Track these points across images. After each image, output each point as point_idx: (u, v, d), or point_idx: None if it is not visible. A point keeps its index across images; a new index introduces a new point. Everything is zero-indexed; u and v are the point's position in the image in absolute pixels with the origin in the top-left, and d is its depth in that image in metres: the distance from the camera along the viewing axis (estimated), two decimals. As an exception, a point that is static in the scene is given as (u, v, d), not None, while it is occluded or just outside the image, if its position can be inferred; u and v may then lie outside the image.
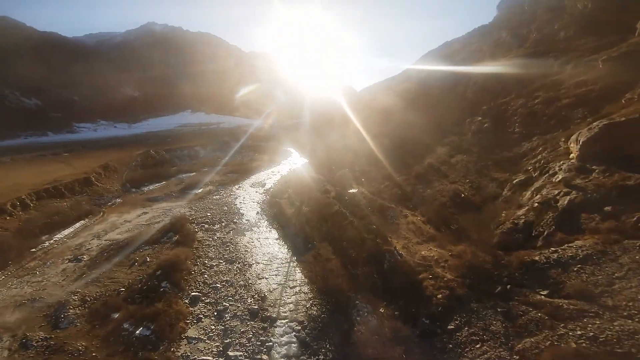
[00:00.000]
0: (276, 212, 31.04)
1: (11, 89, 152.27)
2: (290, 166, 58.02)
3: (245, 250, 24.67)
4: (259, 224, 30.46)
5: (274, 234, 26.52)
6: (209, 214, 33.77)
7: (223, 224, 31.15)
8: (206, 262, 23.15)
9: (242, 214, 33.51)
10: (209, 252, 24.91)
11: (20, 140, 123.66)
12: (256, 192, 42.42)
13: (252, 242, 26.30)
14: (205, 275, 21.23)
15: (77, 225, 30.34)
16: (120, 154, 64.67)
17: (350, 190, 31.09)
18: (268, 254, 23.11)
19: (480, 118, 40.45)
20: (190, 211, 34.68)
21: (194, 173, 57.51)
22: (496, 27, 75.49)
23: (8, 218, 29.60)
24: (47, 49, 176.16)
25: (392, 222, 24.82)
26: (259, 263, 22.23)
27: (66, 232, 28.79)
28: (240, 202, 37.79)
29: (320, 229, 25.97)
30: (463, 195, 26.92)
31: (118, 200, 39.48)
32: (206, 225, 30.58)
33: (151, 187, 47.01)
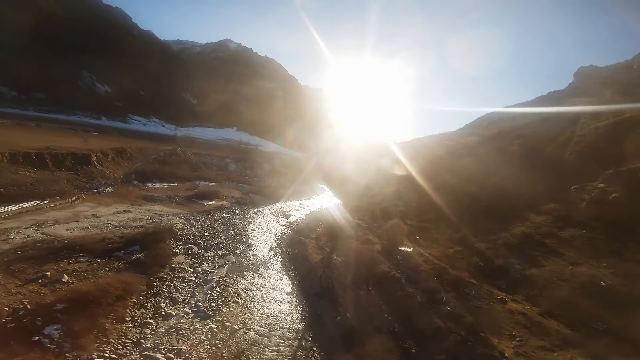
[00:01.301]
0: (297, 253, 25.42)
1: (90, 72, 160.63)
2: (321, 203, 51.20)
3: (236, 302, 16.03)
4: (269, 264, 22.10)
5: (287, 284, 19.86)
6: (206, 234, 25.26)
7: (220, 252, 22.52)
8: (158, 306, 14.21)
9: (251, 245, 25.06)
10: (175, 290, 16.03)
11: (72, 117, 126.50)
12: (277, 222, 33.98)
13: (251, 289, 17.70)
14: (135, 335, 12.15)
15: (29, 204, 22.86)
16: (147, 145, 59.37)
17: (404, 249, 21.98)
18: (269, 316, 15.88)
19: (602, 185, 30.11)
20: (184, 224, 26.41)
21: (213, 183, 50.36)
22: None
23: None
24: (138, 44, 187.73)
25: (479, 306, 17.61)
26: (249, 330, 14.35)
27: (6, 209, 21.12)
28: (254, 229, 29.46)
29: (358, 294, 16.76)
30: (603, 283, 19.94)
31: (108, 189, 32.25)
32: (195, 248, 21.97)
33: (158, 184, 39.86)
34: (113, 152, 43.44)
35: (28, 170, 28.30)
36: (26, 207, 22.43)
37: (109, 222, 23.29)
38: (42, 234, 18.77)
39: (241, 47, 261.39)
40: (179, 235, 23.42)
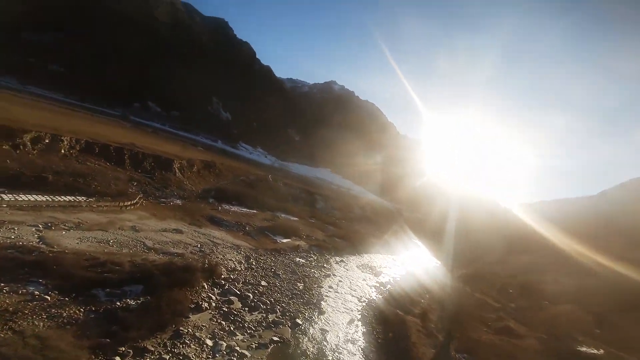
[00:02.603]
0: (392, 339, 16.33)
1: (218, 99, 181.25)
2: (419, 261, 42.00)
3: None
4: (345, 348, 14.06)
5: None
6: (263, 284, 17.66)
7: (271, 316, 14.83)
8: None
9: (322, 312, 17.04)
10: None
11: (196, 137, 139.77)
12: (364, 279, 25.08)
13: None
14: None
15: (67, 198, 18.92)
16: (240, 166, 57.10)
17: (584, 349, 11.68)
18: None
19: None
20: (238, 263, 19.32)
21: (296, 218, 43.62)
22: None
23: (17, 152, 19.87)
24: (259, 78, 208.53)
25: None
26: None
27: (33, 198, 16.82)
28: (331, 287, 21.38)
29: None
30: None
31: (177, 201, 27.71)
32: (236, 304, 14.62)
33: (235, 207, 34.58)
34: (201, 164, 40.54)
35: (99, 163, 25.43)
36: (60, 200, 18.13)
37: (144, 240, 17.34)
38: (39, 238, 13.29)
39: (344, 89, 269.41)
40: (223, 278, 16.06)
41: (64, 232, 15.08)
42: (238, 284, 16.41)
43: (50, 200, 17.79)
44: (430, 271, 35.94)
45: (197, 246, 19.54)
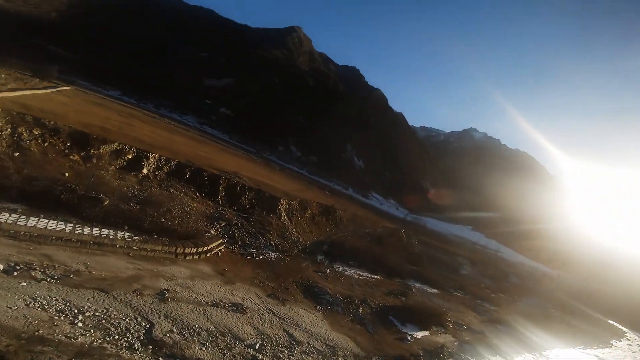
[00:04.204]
0: None
1: (352, 147, 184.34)
2: None
3: None
4: None
5: None
6: None
7: None
8: None
9: None
10: None
11: (329, 183, 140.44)
12: None
13: None
14: None
15: (120, 235, 12.75)
16: (366, 215, 48.49)
17: None
18: None
19: None
20: None
21: (435, 290, 31.39)
22: None
23: (87, 164, 15.84)
24: (392, 126, 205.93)
25: None
26: None
27: (71, 228, 11.06)
28: None
29: None
30: None
31: (270, 254, 20.12)
32: None
33: (350, 270, 25.45)
34: (318, 208, 33.07)
35: (186, 191, 20.24)
36: (84, 234, 12.12)
37: (157, 320, 9.21)
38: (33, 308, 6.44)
39: (487, 137, 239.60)
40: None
41: (23, 284, 8.50)
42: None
43: (70, 231, 12.17)
44: None
45: (254, 347, 10.28)
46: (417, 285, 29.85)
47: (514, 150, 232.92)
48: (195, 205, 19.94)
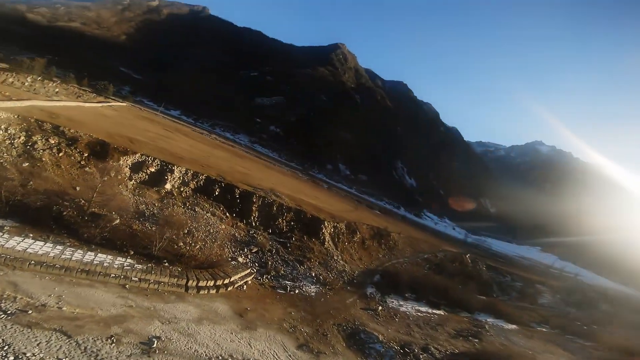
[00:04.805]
0: None
1: (403, 164, 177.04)
2: None
3: None
4: None
5: None
6: None
7: None
8: None
9: None
10: None
11: (379, 202, 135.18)
12: None
13: None
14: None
15: (118, 262, 10.00)
16: (424, 238, 43.14)
17: None
18: None
19: None
20: None
21: (513, 326, 25.44)
22: None
23: (104, 178, 13.68)
24: (444, 141, 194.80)
25: None
26: None
27: (57, 252, 8.27)
28: None
29: None
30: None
31: (310, 287, 16.65)
32: None
33: (407, 306, 20.79)
34: (369, 231, 28.87)
35: (214, 210, 17.33)
36: (73, 260, 9.55)
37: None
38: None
39: (556, 150, 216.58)
40: None
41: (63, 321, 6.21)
42: None
43: (55, 255, 9.84)
44: None
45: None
46: (489, 320, 24.18)
47: (589, 164, 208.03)
48: (223, 227, 16.93)
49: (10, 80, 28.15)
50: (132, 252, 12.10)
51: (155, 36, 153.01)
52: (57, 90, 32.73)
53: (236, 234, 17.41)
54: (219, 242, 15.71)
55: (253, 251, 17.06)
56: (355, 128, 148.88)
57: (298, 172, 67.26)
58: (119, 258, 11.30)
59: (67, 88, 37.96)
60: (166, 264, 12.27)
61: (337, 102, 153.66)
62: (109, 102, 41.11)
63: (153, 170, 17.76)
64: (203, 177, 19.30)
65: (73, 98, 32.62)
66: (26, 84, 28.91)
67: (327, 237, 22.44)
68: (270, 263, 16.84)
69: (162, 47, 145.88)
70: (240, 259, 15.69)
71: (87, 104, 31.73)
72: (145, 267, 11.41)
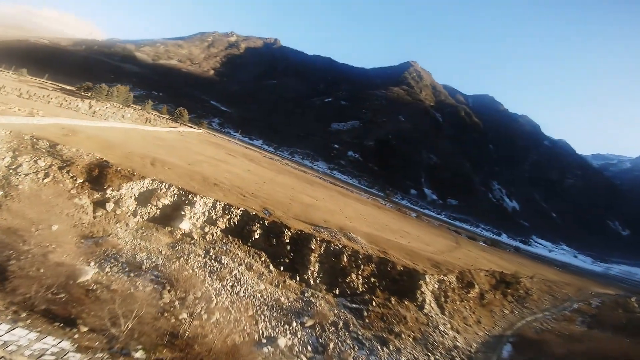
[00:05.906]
0: None
1: (500, 185, 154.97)
2: None
3: None
4: None
5: None
6: None
7: None
8: None
9: None
10: None
11: (474, 228, 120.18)
12: None
13: None
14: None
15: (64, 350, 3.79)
16: (560, 278, 32.64)
17: None
18: None
19: None
20: None
21: None
22: None
23: (97, 213, 8.81)
24: (550, 156, 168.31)
25: None
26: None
27: None
28: None
29: None
30: None
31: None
32: None
33: None
34: (489, 279, 20.30)
35: (248, 261, 11.35)
36: None
37: None
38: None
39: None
40: None
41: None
42: None
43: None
44: None
45: None
46: None
47: None
48: (262, 287, 10.83)
49: (77, 104, 27.76)
50: (85, 329, 6.67)
51: (237, 70, 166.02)
52: (124, 114, 32.12)
53: (282, 298, 11.09)
54: (250, 312, 9.58)
55: (306, 325, 10.54)
56: (439, 148, 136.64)
57: (380, 200, 59.64)
58: (48, 338, 5.93)
59: (141, 115, 38.00)
60: (136, 356, 6.52)
61: (416, 122, 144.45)
62: (178, 127, 40.45)
63: (166, 202, 12.78)
64: (238, 211, 13.57)
65: (140, 122, 31.80)
66: (87, 107, 28.19)
67: (429, 298, 14.58)
68: (332, 346, 10.06)
69: (243, 80, 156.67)
70: (281, 341, 9.29)
71: (148, 128, 30.26)
72: (109, 354, 5.77)
